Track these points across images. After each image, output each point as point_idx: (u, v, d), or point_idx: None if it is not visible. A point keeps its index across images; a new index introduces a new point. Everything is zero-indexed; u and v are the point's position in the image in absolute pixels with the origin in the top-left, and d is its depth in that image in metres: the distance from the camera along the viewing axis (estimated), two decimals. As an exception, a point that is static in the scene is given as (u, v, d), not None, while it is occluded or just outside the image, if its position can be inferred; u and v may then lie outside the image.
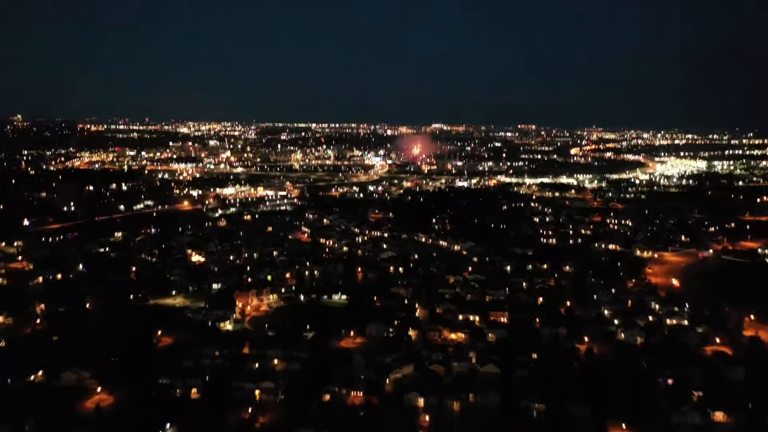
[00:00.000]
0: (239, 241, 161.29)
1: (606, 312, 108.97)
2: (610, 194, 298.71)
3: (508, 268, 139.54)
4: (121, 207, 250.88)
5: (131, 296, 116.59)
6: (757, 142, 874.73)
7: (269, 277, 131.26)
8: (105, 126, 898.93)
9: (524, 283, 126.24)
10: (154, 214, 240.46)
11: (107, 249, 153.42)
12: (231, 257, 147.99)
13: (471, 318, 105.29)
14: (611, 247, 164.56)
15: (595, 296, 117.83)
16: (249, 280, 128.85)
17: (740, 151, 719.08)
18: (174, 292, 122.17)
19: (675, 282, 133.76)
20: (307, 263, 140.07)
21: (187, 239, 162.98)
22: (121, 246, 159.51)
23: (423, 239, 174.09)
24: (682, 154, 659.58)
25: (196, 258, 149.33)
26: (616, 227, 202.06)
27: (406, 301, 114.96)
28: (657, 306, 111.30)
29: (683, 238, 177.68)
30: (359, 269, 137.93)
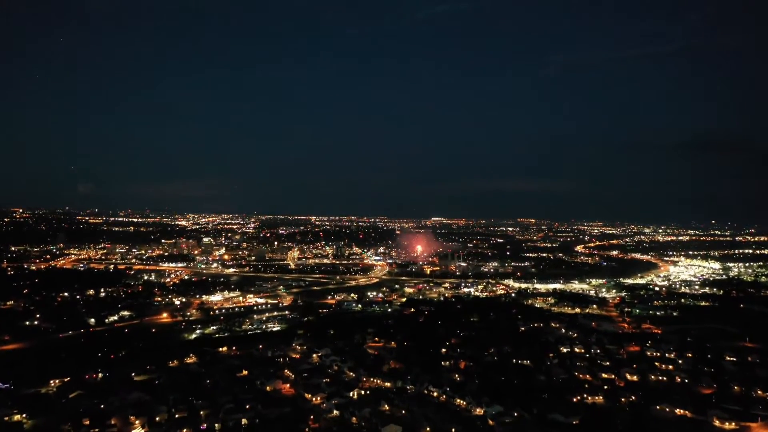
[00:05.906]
0: (200, 401, 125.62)
1: None
2: (637, 311, 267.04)
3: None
4: (92, 320, 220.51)
5: None
6: (762, 239, 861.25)
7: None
8: (103, 218, 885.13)
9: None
10: (126, 330, 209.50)
11: (25, 416, 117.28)
12: (184, 431, 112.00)
13: None
14: (678, 411, 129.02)
15: None
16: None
17: (749, 250, 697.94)
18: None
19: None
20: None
21: (135, 397, 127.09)
22: (47, 406, 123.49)
23: (435, 393, 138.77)
24: (690, 252, 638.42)
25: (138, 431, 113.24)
26: (662, 366, 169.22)
27: None
28: None
29: (759, 392, 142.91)
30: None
